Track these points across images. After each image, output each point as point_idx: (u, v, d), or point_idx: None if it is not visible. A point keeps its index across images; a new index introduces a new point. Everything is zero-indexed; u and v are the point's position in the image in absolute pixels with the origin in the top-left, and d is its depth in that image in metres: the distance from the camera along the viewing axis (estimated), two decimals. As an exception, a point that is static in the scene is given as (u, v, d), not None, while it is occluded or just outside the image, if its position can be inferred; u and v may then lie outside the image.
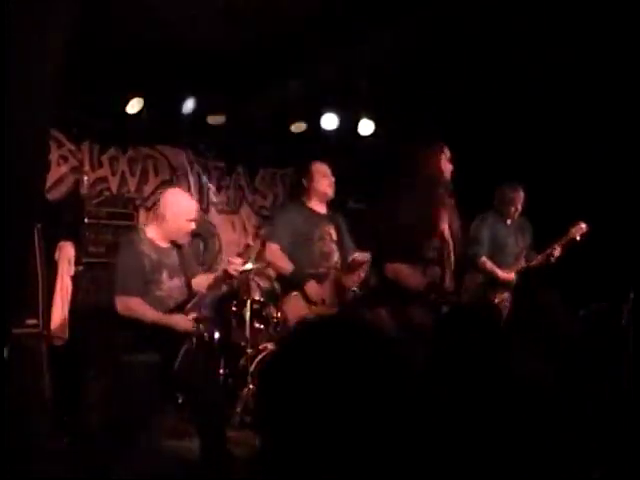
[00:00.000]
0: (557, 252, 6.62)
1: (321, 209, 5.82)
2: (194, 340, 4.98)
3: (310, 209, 5.80)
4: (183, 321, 4.86)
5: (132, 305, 4.77)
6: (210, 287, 5.09)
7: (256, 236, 8.58)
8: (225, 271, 4.98)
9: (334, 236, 5.76)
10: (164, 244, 4.96)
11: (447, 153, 5.21)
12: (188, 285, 5.05)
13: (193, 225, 5.01)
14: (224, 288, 7.64)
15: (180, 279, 4.99)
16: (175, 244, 5.01)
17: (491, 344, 2.59)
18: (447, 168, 5.20)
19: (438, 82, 6.94)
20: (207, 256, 8.32)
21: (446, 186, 5.18)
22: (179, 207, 4.94)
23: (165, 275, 4.90)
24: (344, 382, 1.50)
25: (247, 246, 8.27)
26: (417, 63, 6.59)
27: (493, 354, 2.55)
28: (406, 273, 4.99)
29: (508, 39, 6.08)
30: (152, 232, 4.97)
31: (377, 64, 6.80)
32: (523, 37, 6.05)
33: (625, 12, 5.54)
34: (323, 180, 5.77)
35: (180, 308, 4.93)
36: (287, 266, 5.65)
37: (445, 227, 5.14)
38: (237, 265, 4.97)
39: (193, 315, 4.94)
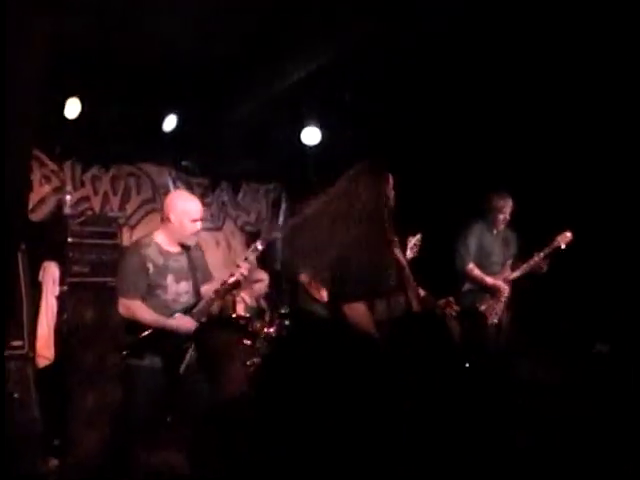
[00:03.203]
0: (542, 261, 6.65)
1: None
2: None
3: None
4: (184, 323, 4.87)
5: (133, 308, 4.79)
6: (219, 292, 5.09)
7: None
8: (234, 279, 5.00)
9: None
10: (173, 248, 4.98)
11: (391, 180, 4.75)
12: (197, 289, 5.05)
13: (198, 225, 5.02)
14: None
15: (188, 283, 5.00)
16: (184, 247, 5.01)
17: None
18: (391, 196, 4.72)
19: (428, 91, 6.95)
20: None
21: (390, 212, 4.73)
22: (183, 208, 4.96)
23: (171, 279, 4.91)
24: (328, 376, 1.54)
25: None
26: (400, 68, 6.59)
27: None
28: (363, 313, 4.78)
29: (493, 44, 6.10)
30: (160, 237, 4.99)
31: (356, 77, 6.82)
32: (503, 42, 6.08)
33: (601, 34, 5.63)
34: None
35: (186, 312, 4.94)
36: None
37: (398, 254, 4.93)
38: (244, 269, 4.98)
39: (200, 319, 4.96)
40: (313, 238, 4.47)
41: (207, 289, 5.10)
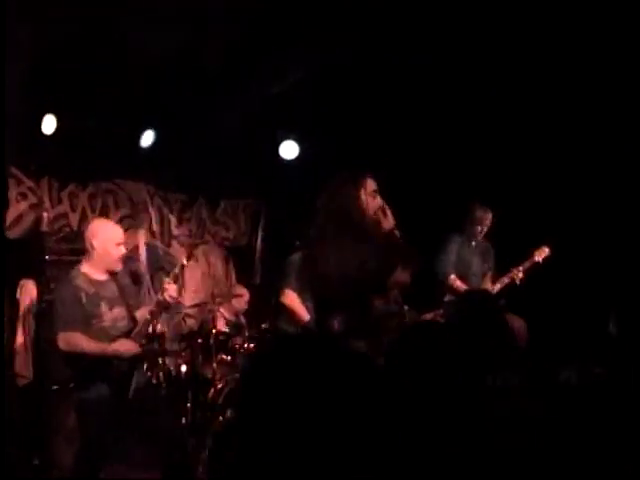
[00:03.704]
0: (520, 275, 6.68)
1: None
2: (146, 368, 4.98)
3: None
4: (126, 345, 4.85)
5: (73, 340, 4.78)
6: (154, 312, 5.10)
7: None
8: (159, 301, 4.99)
9: None
10: (100, 276, 4.98)
11: (370, 186, 4.57)
12: (131, 314, 5.04)
13: (122, 249, 5.02)
14: (189, 322, 7.61)
15: (121, 308, 5.01)
16: (111, 274, 4.99)
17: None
18: (371, 204, 4.56)
19: (407, 102, 6.97)
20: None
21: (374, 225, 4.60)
22: (105, 234, 4.99)
23: (104, 307, 4.91)
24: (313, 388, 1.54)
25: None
26: (379, 81, 6.61)
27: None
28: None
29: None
30: (86, 267, 5.00)
31: (334, 90, 6.84)
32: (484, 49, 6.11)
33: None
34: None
35: (125, 337, 4.93)
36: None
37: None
38: (172, 291, 4.97)
39: (141, 341, 4.95)
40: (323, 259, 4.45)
41: (142, 313, 5.09)
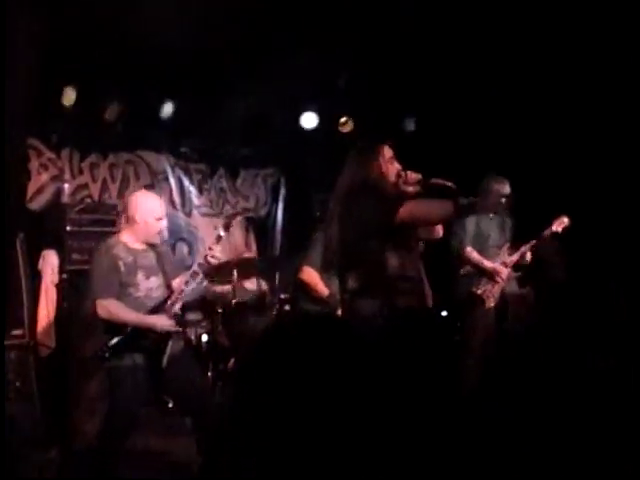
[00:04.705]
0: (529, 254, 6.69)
1: None
2: (181, 340, 5.02)
3: None
4: (161, 321, 4.89)
5: (111, 308, 4.80)
6: (188, 282, 5.10)
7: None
8: (204, 261, 4.99)
9: None
10: (139, 245, 4.99)
11: (387, 153, 4.60)
12: (167, 284, 5.07)
13: (163, 224, 5.04)
14: (210, 289, 7.64)
15: (158, 278, 5.01)
16: (150, 245, 5.03)
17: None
18: (389, 170, 4.59)
19: (426, 71, 6.94)
20: (193, 259, 8.31)
21: (395, 189, 4.59)
22: (146, 207, 4.96)
23: (141, 276, 4.92)
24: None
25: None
26: (398, 49, 6.57)
27: None
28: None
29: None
30: (125, 236, 5.00)
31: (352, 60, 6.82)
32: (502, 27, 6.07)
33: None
34: None
35: (159, 308, 4.95)
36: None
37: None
38: (215, 252, 4.98)
39: (175, 312, 4.98)
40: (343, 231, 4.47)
41: (178, 282, 5.12)
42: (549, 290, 6.82)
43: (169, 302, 4.98)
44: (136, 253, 4.96)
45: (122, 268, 4.86)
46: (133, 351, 4.83)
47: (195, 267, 5.04)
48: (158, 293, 5.00)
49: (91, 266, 5.12)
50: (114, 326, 4.84)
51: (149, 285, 4.96)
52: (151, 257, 5.02)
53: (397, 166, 4.64)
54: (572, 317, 6.41)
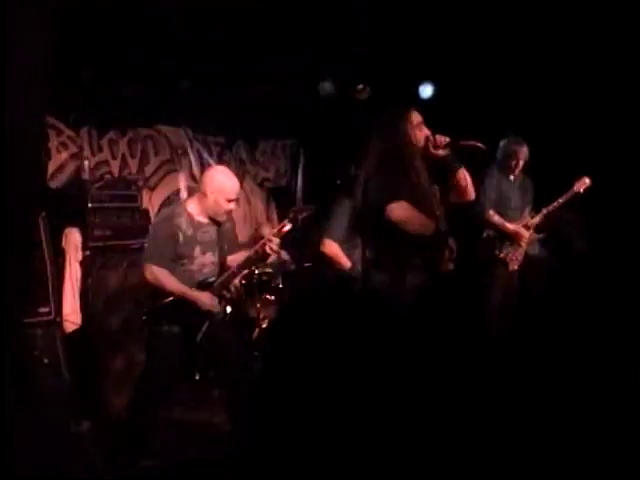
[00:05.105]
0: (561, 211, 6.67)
1: None
2: (218, 317, 5.06)
3: None
4: (207, 299, 4.94)
5: (159, 275, 4.87)
6: (241, 266, 5.13)
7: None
8: (261, 250, 5.00)
9: None
10: (203, 219, 5.02)
11: (416, 118, 4.68)
12: (222, 263, 5.09)
13: (232, 205, 5.03)
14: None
15: (214, 255, 5.05)
16: (214, 220, 5.04)
17: None
18: (418, 136, 4.67)
19: (441, 37, 6.88)
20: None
21: (421, 154, 4.67)
22: (220, 186, 4.97)
23: (198, 250, 4.98)
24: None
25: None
26: (416, 14, 6.52)
27: None
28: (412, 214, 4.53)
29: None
30: (192, 206, 5.03)
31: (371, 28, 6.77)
32: None
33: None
34: None
35: (208, 284, 5.00)
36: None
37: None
38: (274, 244, 4.99)
39: (222, 292, 5.02)
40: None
41: (232, 259, 5.15)
42: (570, 260, 6.80)
43: (217, 281, 5.02)
44: (198, 226, 4.99)
45: (180, 239, 4.91)
46: (171, 321, 4.90)
47: (251, 252, 5.07)
48: (210, 269, 5.04)
49: (151, 227, 5.27)
50: (156, 292, 4.91)
51: (203, 260, 5.00)
52: (212, 233, 5.04)
53: (426, 131, 4.69)
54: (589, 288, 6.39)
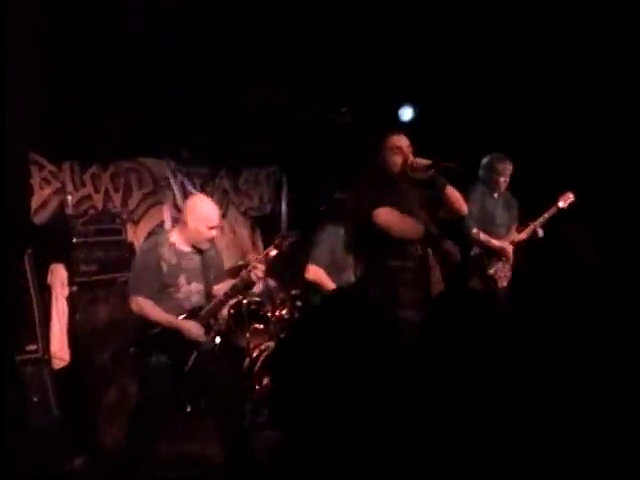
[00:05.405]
0: (540, 229, 6.69)
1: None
2: (206, 347, 5.03)
3: None
4: (193, 328, 4.92)
5: (144, 306, 4.86)
6: (228, 294, 5.11)
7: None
8: (246, 277, 4.99)
9: None
10: (186, 248, 5.01)
11: (394, 143, 4.71)
12: (208, 292, 5.08)
13: (214, 232, 5.04)
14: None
15: (199, 284, 5.03)
16: (197, 249, 5.03)
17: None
18: (395, 160, 4.70)
19: (424, 55, 6.93)
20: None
21: (402, 179, 4.71)
22: (200, 213, 4.98)
23: (183, 279, 4.97)
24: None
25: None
26: (399, 34, 6.56)
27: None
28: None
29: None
30: (175, 236, 5.05)
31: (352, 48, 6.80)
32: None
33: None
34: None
35: (195, 313, 4.97)
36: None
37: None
38: (259, 271, 4.98)
39: (209, 322, 4.99)
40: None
41: (219, 288, 5.14)
42: (579, 274, 6.79)
43: (204, 310, 5.01)
44: (182, 255, 4.99)
45: (164, 269, 4.91)
46: (159, 351, 4.87)
47: (237, 280, 5.06)
48: (197, 298, 5.03)
49: (135, 259, 5.24)
50: (143, 323, 4.90)
51: (189, 289, 4.99)
52: (196, 261, 5.04)
53: (404, 155, 4.68)
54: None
